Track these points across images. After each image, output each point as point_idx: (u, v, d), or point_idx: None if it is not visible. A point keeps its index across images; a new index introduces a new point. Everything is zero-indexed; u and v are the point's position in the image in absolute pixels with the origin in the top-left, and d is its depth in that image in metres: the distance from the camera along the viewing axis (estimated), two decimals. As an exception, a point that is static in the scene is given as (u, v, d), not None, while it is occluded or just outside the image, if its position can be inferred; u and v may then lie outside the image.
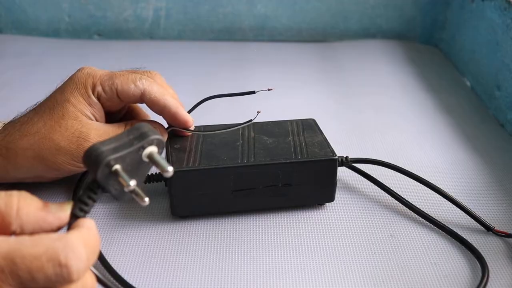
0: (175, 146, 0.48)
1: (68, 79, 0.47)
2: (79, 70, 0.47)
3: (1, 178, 0.47)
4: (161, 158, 0.33)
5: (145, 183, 0.50)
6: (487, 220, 0.48)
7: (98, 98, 0.47)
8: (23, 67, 0.78)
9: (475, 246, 0.45)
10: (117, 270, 0.42)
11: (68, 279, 0.28)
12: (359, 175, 0.53)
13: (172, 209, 0.47)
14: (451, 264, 0.44)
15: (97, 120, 0.47)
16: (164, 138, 0.48)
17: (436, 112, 0.69)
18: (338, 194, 0.50)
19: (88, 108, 0.46)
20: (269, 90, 0.49)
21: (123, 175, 0.31)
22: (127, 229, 0.47)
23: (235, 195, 0.47)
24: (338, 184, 0.50)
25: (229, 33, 0.92)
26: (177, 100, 0.48)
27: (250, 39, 0.92)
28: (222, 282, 0.42)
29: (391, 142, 0.61)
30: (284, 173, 0.47)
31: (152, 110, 0.48)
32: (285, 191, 0.48)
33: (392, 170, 0.52)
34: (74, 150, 0.45)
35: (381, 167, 0.53)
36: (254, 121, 0.48)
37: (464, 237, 0.46)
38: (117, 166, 0.31)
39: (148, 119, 0.52)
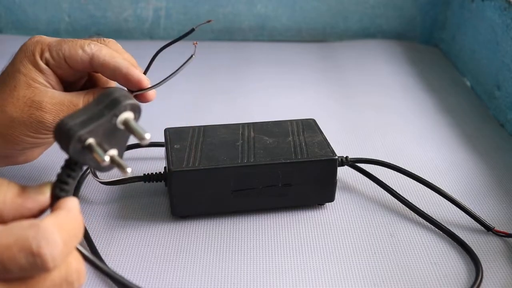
0: (175, 146, 0.48)
1: (18, 49, 0.45)
2: (29, 39, 0.45)
3: None
4: (137, 125, 0.31)
5: (145, 182, 0.50)
6: (487, 220, 0.48)
7: (47, 65, 0.44)
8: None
9: (475, 246, 0.45)
10: (117, 270, 0.42)
11: (43, 268, 0.27)
12: (359, 175, 0.53)
13: (172, 209, 0.47)
14: (451, 264, 0.44)
15: (53, 88, 0.45)
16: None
17: (436, 112, 0.69)
18: (338, 194, 0.50)
19: (40, 75, 0.44)
20: (208, 22, 0.46)
21: (97, 150, 0.30)
22: (127, 229, 0.47)
23: (235, 195, 0.47)
24: (338, 184, 0.50)
25: (229, 33, 0.92)
26: (133, 63, 0.46)
27: (250, 39, 0.92)
28: (222, 282, 0.42)
29: (391, 142, 0.61)
30: (284, 173, 0.47)
31: (105, 77, 0.46)
32: (285, 191, 0.48)
33: (392, 170, 0.52)
34: (27, 120, 0.42)
35: (381, 167, 0.53)
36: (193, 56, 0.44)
37: (464, 237, 0.46)
38: (91, 140, 0.29)
39: (112, 86, 0.48)
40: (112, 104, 0.30)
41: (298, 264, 0.44)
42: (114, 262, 0.43)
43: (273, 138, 0.50)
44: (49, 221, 0.28)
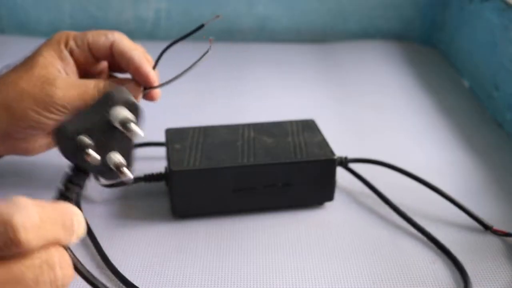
0: (175, 146, 0.49)
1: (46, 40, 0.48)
2: (56, 32, 0.48)
3: None
4: (132, 122, 0.29)
5: (146, 182, 0.50)
6: (485, 219, 0.48)
7: (71, 54, 0.46)
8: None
9: (474, 245, 0.46)
10: (118, 269, 0.43)
11: (15, 240, 0.25)
12: (356, 178, 0.53)
13: (172, 208, 0.48)
14: (444, 265, 0.44)
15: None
16: (139, 95, 0.46)
17: (435, 112, 0.69)
18: (337, 194, 0.51)
19: (59, 62, 0.46)
20: (217, 17, 0.47)
21: (85, 143, 0.28)
22: (127, 228, 0.48)
23: (235, 195, 0.47)
24: (337, 183, 0.50)
25: (229, 34, 0.93)
26: (148, 58, 0.48)
27: (250, 40, 0.93)
28: (222, 282, 0.42)
29: (390, 142, 0.62)
30: (284, 173, 0.47)
31: (121, 64, 0.47)
32: (285, 191, 0.48)
33: (391, 170, 0.53)
34: (37, 93, 0.43)
35: (380, 166, 0.53)
36: (210, 50, 0.45)
37: (462, 237, 0.46)
38: (82, 137, 0.29)
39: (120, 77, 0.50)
40: (104, 99, 0.30)
41: (297, 264, 0.44)
42: (115, 261, 0.43)
43: (273, 138, 0.50)
44: (29, 201, 0.26)
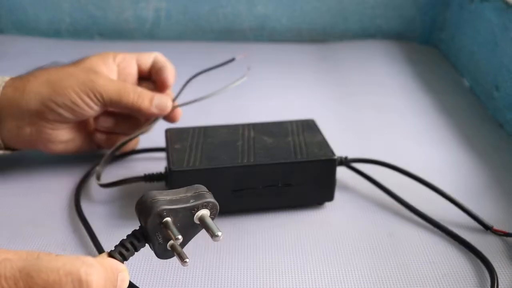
0: (175, 146, 0.49)
1: None
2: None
3: (14, 114, 0.49)
4: (212, 223, 0.33)
5: (146, 182, 0.50)
6: (485, 219, 0.48)
7: (118, 66, 0.52)
8: (24, 68, 0.78)
9: (475, 245, 0.45)
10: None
11: None
12: (359, 175, 0.53)
13: (172, 208, 0.48)
14: (450, 263, 0.44)
15: None
16: (169, 107, 0.52)
17: (435, 112, 0.69)
18: (337, 194, 0.51)
19: (104, 66, 0.51)
20: (244, 56, 0.54)
21: (173, 227, 0.31)
22: (127, 228, 0.47)
23: (235, 195, 0.47)
24: (337, 183, 0.50)
25: (229, 33, 0.93)
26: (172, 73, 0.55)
27: (250, 39, 0.93)
28: (222, 282, 0.42)
29: (390, 142, 0.62)
30: (284, 173, 0.47)
31: (154, 70, 0.54)
32: (285, 191, 0.48)
33: (391, 170, 0.53)
34: (82, 76, 0.49)
35: (380, 166, 0.53)
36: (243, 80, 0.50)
37: (463, 237, 0.46)
38: (168, 219, 0.31)
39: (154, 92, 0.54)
40: (198, 197, 0.33)
41: (297, 264, 0.44)
42: (115, 261, 0.44)
43: (273, 138, 0.50)
44: (91, 258, 0.29)
